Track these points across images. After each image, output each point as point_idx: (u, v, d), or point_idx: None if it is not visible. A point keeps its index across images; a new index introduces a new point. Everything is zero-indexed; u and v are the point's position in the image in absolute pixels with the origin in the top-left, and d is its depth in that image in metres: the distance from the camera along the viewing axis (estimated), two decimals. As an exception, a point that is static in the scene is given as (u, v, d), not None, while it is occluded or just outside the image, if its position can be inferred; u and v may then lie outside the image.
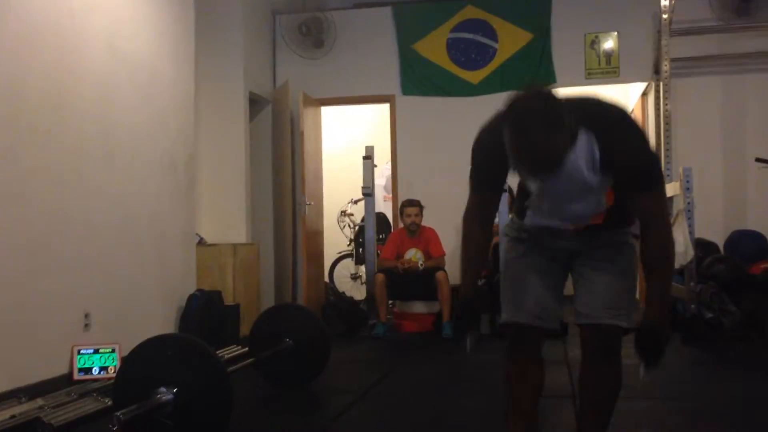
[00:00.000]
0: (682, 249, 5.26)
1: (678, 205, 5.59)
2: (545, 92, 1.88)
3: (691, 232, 5.27)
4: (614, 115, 2.02)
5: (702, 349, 4.96)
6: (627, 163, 1.98)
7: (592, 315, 2.18)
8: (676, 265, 5.36)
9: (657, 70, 6.84)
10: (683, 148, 6.68)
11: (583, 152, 1.95)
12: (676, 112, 6.65)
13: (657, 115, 6.89)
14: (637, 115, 7.93)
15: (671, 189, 5.97)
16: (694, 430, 3.06)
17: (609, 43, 7.07)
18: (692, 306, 5.24)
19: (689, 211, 5.30)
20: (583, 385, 2.29)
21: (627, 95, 8.26)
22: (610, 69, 7.08)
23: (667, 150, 6.59)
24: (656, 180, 2.06)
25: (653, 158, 2.07)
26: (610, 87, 7.61)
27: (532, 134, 1.82)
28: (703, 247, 5.86)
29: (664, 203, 2.13)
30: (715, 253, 6.05)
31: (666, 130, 6.60)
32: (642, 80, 7.21)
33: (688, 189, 5.30)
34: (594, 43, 7.08)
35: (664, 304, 2.08)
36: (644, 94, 7.51)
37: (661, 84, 6.63)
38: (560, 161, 1.88)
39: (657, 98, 6.85)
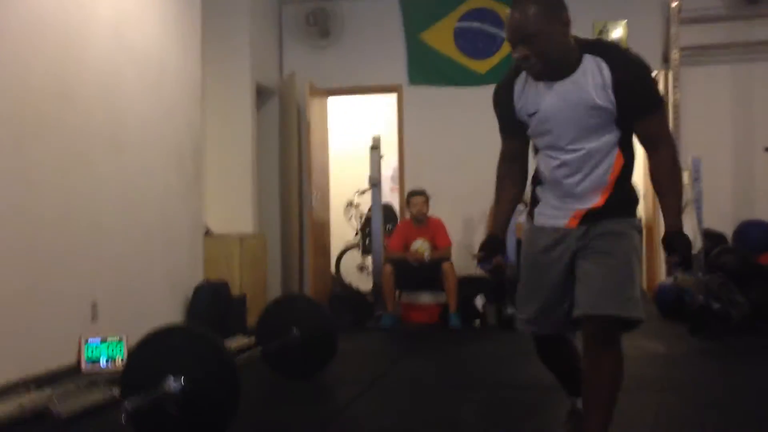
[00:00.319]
0: (691, 239, 5.23)
1: (686, 196, 5.56)
2: None
3: (699, 222, 5.24)
4: (620, 48, 2.39)
5: (710, 339, 4.95)
6: (634, 83, 2.18)
7: (586, 306, 2.22)
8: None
9: (666, 59, 6.79)
10: (692, 138, 6.64)
11: (589, 73, 2.19)
12: (685, 101, 6.61)
13: (666, 105, 6.85)
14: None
15: (680, 179, 5.95)
16: (702, 420, 3.05)
17: (618, 32, 7.02)
18: (700, 296, 5.22)
19: (698, 201, 5.28)
20: (584, 379, 2.31)
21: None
22: (618, 58, 7.03)
23: (676, 140, 6.54)
24: (660, 101, 2.30)
25: (655, 81, 2.32)
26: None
27: (517, 6, 2.18)
28: (711, 237, 5.83)
29: (667, 126, 2.34)
30: (723, 244, 6.02)
31: (675, 120, 6.56)
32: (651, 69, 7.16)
33: (696, 179, 5.27)
34: (602, 31, 7.03)
35: (679, 216, 2.29)
36: (653, 84, 7.46)
37: (670, 73, 6.59)
38: (534, 33, 2.14)
39: (666, 87, 6.81)
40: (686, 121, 6.63)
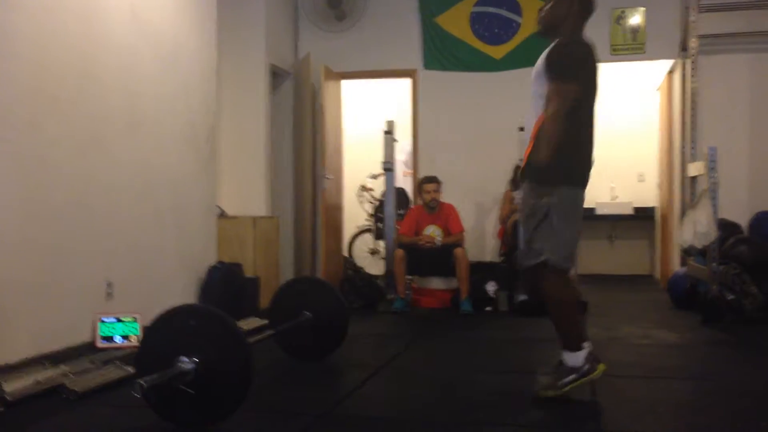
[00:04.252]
0: (705, 229, 5.21)
1: (702, 185, 5.53)
2: None
3: (714, 213, 5.21)
4: (564, 40, 3.10)
5: (723, 330, 4.93)
6: (548, 59, 3.05)
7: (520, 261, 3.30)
8: (699, 246, 5.32)
9: (684, 47, 6.72)
10: (709, 127, 6.58)
11: (543, 56, 3.10)
12: (702, 90, 6.55)
13: (683, 93, 6.79)
14: (662, 93, 7.82)
15: (695, 168, 5.90)
16: (713, 410, 3.05)
17: (636, 19, 6.95)
18: (714, 287, 5.20)
19: (713, 191, 5.23)
20: None
21: (653, 73, 8.14)
22: (635, 45, 6.97)
23: (692, 129, 6.50)
24: (558, 75, 2.98)
25: (561, 59, 3.02)
26: (636, 64, 7.52)
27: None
28: (726, 227, 5.79)
29: (556, 95, 2.97)
30: (738, 234, 5.98)
31: (692, 109, 6.51)
32: (668, 57, 7.09)
33: (712, 169, 5.23)
34: (620, 18, 6.96)
35: (540, 149, 3.01)
36: (670, 72, 7.40)
37: (689, 61, 6.53)
38: (542, 27, 3.22)
39: (683, 76, 6.75)
40: (703, 110, 6.57)
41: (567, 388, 3.05)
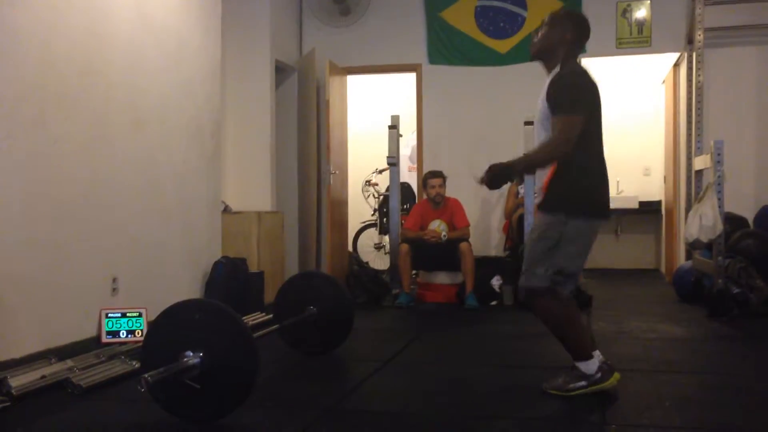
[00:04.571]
0: (711, 223, 5.19)
1: (708, 179, 5.50)
2: (574, 16, 3.23)
3: (720, 206, 5.19)
4: (564, 72, 3.07)
5: (728, 324, 4.92)
6: (548, 94, 3.03)
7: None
8: (705, 239, 5.30)
9: (690, 40, 6.69)
10: (715, 121, 6.55)
11: (544, 91, 3.07)
12: (708, 83, 6.51)
13: (689, 87, 6.76)
14: (668, 86, 7.79)
15: (701, 162, 5.88)
16: (719, 404, 3.05)
17: (641, 12, 6.92)
18: (719, 281, 5.18)
19: (719, 184, 5.21)
20: None
21: (658, 66, 8.11)
22: (641, 38, 6.94)
23: (698, 122, 6.47)
24: (560, 109, 2.97)
25: (562, 94, 2.98)
26: (642, 57, 7.49)
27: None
28: (732, 221, 5.77)
29: (560, 128, 2.95)
30: (744, 228, 5.95)
31: (698, 102, 6.48)
32: (674, 50, 7.06)
33: (718, 162, 5.20)
34: (626, 11, 6.93)
35: (519, 161, 3.13)
36: (676, 65, 7.37)
37: (694, 54, 6.49)
38: (535, 51, 3.20)
39: (689, 69, 6.71)
40: (709, 104, 6.54)
41: (574, 393, 3.05)
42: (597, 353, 3.11)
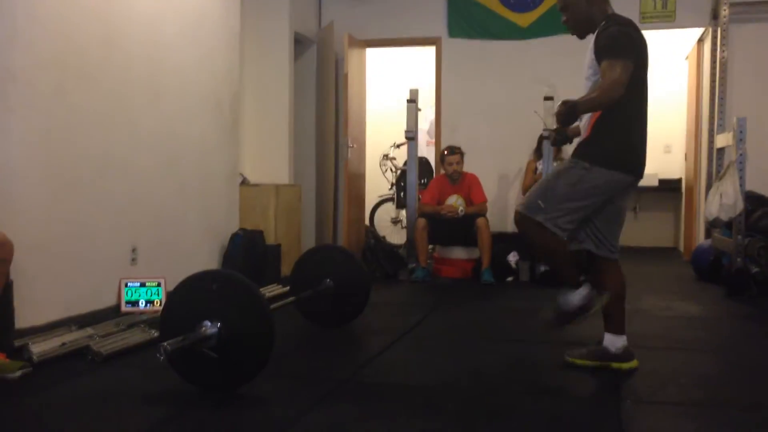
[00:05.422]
0: (732, 201, 5.13)
1: (730, 157, 5.43)
2: None
3: (741, 184, 5.13)
4: (613, 19, 3.05)
5: (746, 303, 4.89)
6: (596, 46, 2.99)
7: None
8: (725, 218, 5.25)
9: (715, 15, 6.57)
10: (739, 97, 6.46)
11: (593, 37, 3.04)
12: (732, 59, 6.41)
13: (712, 63, 6.65)
14: (691, 63, 7.67)
15: (723, 139, 5.80)
16: (735, 382, 3.04)
17: (666, -14, 6.79)
18: (738, 259, 5.14)
19: (741, 162, 5.15)
20: None
21: (682, 42, 7.97)
22: (665, 13, 6.82)
23: (721, 99, 6.38)
24: (609, 54, 2.90)
25: (609, 40, 2.93)
26: (665, 32, 7.37)
27: None
28: (753, 200, 5.69)
29: (611, 70, 2.86)
30: (765, 207, 5.87)
31: (721, 78, 6.38)
32: (699, 26, 6.94)
33: (741, 140, 5.13)
34: (650, -15, 6.81)
35: (582, 101, 2.93)
36: (700, 40, 7.24)
37: (719, 30, 6.38)
38: (564, 6, 3.15)
39: (713, 45, 6.60)
40: (733, 80, 6.43)
41: (592, 365, 3.13)
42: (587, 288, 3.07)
